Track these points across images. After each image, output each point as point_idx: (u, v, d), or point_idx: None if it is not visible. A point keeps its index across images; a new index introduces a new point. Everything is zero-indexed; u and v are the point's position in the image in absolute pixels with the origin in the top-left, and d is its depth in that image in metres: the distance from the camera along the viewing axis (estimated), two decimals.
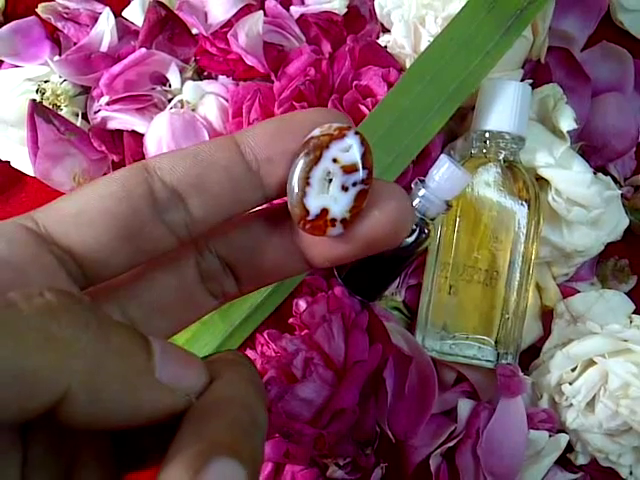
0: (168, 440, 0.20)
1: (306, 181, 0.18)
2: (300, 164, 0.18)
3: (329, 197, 0.18)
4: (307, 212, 0.18)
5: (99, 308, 0.16)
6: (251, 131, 0.19)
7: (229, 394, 0.17)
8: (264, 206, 0.20)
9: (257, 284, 0.22)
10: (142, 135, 0.40)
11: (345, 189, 0.18)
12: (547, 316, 0.40)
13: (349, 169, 0.18)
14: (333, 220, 0.18)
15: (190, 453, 0.14)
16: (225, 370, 0.18)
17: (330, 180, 0.18)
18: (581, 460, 0.38)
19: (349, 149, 0.18)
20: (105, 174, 0.39)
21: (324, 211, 0.18)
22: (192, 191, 0.18)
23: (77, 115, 0.42)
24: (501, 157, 0.37)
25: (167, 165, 0.18)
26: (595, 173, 0.38)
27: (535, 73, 0.41)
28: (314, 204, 0.18)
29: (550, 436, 0.36)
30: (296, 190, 0.18)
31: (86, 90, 0.42)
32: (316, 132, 0.18)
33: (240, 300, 0.36)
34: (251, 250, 0.20)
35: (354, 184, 0.18)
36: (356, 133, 0.18)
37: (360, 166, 0.18)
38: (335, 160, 0.18)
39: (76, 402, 0.14)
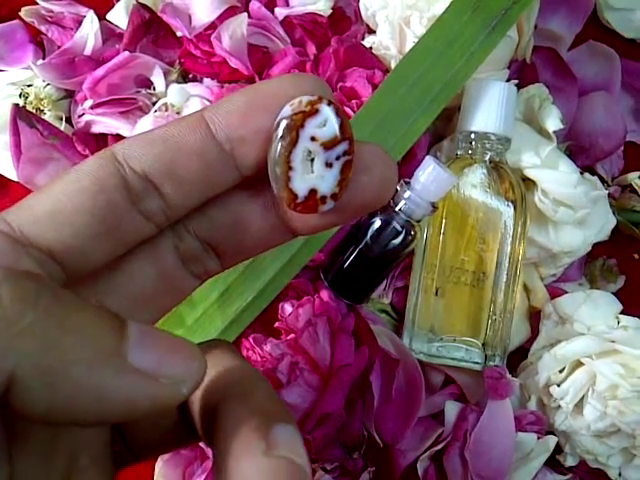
0: (159, 435, 0.20)
1: (288, 165, 0.17)
2: (277, 148, 0.17)
3: (315, 177, 0.17)
4: (295, 195, 0.17)
5: (58, 287, 0.14)
6: (221, 107, 0.18)
7: (245, 370, 0.17)
8: None
9: (240, 258, 0.21)
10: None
11: (329, 165, 0.17)
12: (535, 317, 0.39)
13: (329, 144, 0.17)
14: (323, 198, 0.17)
15: (250, 426, 0.14)
16: (223, 352, 0.18)
17: (312, 159, 0.17)
18: (570, 462, 0.37)
19: (325, 123, 0.17)
20: None
21: (312, 191, 0.17)
22: (165, 178, 0.18)
23: (61, 119, 0.41)
24: (487, 158, 0.37)
25: (136, 153, 0.17)
26: (582, 173, 0.37)
27: (521, 73, 0.40)
28: (301, 187, 0.17)
29: (538, 438, 0.36)
30: (280, 176, 0.17)
31: (70, 94, 0.42)
32: (287, 111, 0.17)
33: (225, 304, 0.36)
34: (233, 226, 0.20)
35: (337, 158, 0.17)
36: (329, 104, 0.17)
37: (340, 139, 0.17)
38: (313, 138, 0.17)
39: (28, 388, 0.13)
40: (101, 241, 0.17)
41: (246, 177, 0.19)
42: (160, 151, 0.17)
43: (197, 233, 0.20)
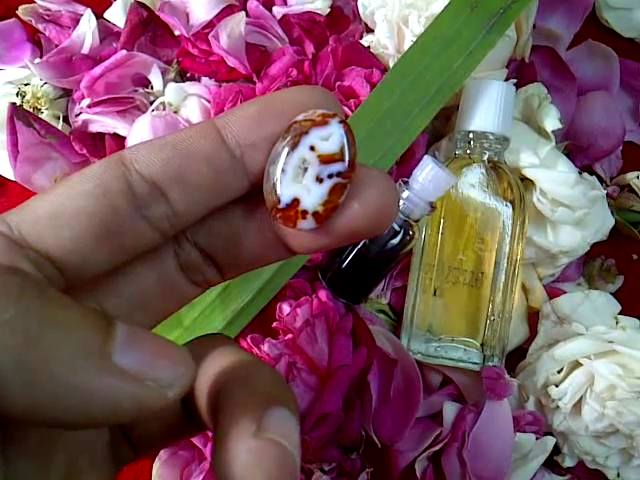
0: (161, 427, 0.20)
1: (281, 167, 0.17)
2: (277, 149, 0.17)
3: (302, 187, 0.17)
4: (278, 200, 0.17)
5: (45, 283, 0.14)
6: (232, 115, 0.18)
7: (248, 358, 0.17)
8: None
9: (238, 271, 0.21)
10: (124, 138, 0.40)
11: (320, 180, 0.17)
12: (533, 317, 0.39)
13: (326, 159, 0.17)
14: (304, 212, 0.17)
15: (246, 408, 0.15)
16: (225, 344, 0.19)
17: (306, 169, 0.17)
18: (568, 462, 0.37)
19: (329, 138, 0.17)
20: None
21: (295, 201, 0.17)
22: (173, 184, 0.17)
23: (58, 118, 0.41)
24: (485, 157, 0.37)
25: (145, 157, 0.17)
26: (580, 173, 0.37)
27: (520, 72, 0.40)
28: (286, 192, 0.17)
29: (537, 439, 0.36)
30: (271, 176, 0.17)
31: (67, 93, 0.42)
32: (299, 117, 0.17)
33: (223, 304, 0.36)
34: (229, 238, 0.19)
35: (330, 176, 0.17)
36: (341, 122, 0.17)
37: (338, 158, 0.17)
38: (312, 148, 0.17)
39: (7, 382, 0.12)
40: (102, 246, 0.17)
41: (253, 187, 0.18)
42: (169, 156, 0.17)
43: (195, 242, 0.20)
